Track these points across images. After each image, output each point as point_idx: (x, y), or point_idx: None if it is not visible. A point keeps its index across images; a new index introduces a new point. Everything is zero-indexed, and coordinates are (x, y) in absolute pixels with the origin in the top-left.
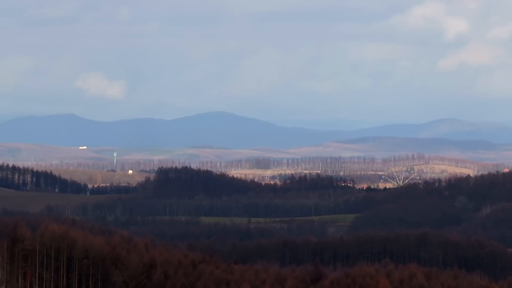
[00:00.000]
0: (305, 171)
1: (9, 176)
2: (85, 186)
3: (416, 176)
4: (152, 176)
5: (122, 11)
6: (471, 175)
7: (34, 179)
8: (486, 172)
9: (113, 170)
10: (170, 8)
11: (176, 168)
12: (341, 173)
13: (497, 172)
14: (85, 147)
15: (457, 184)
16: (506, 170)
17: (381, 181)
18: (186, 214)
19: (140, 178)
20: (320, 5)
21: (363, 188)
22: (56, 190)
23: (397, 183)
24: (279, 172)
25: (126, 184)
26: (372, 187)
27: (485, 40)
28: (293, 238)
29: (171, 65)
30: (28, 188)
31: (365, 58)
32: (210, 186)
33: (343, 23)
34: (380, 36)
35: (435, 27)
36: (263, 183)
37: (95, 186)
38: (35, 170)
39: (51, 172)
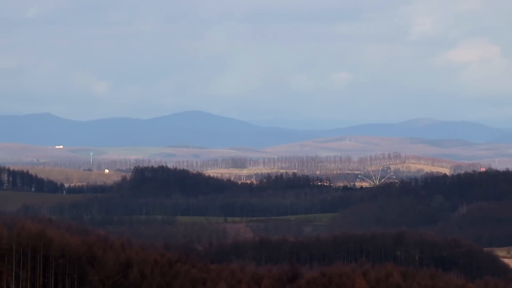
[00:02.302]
0: (282, 171)
1: None
2: (62, 185)
3: (392, 175)
4: (128, 176)
5: (109, 12)
6: (448, 174)
7: (10, 178)
8: (462, 171)
9: (90, 170)
10: (159, 9)
11: (152, 167)
12: (318, 172)
13: (474, 171)
14: (61, 147)
15: (434, 183)
16: (483, 169)
17: (357, 180)
18: (162, 214)
19: (117, 178)
20: (302, 6)
21: (339, 187)
22: (33, 189)
23: (374, 182)
24: (255, 172)
25: (102, 183)
26: (348, 186)
27: (463, 41)
28: (269, 237)
29: (159, 65)
30: (4, 187)
31: (342, 58)
32: (187, 186)
33: (324, 24)
34: (359, 36)
35: (413, 28)
36: (240, 182)
37: (72, 185)
38: (11, 169)
39: (27, 172)
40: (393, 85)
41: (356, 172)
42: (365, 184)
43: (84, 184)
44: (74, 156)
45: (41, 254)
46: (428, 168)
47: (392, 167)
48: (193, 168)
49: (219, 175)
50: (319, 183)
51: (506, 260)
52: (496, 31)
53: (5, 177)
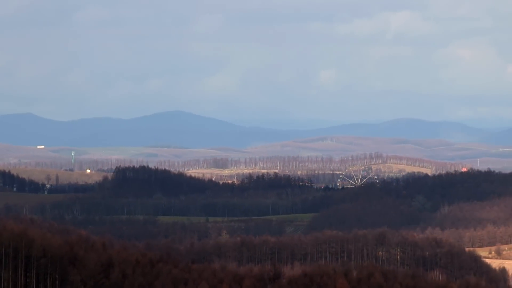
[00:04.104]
0: (263, 171)
1: None
2: (43, 185)
3: (374, 175)
4: (110, 175)
5: (92, 12)
6: (429, 174)
7: None
8: (444, 172)
9: (71, 169)
10: (142, 8)
11: (133, 167)
12: (299, 173)
13: (455, 171)
14: (43, 146)
15: (415, 184)
16: (464, 169)
17: (339, 180)
18: (144, 213)
19: (98, 178)
20: (285, 7)
21: (321, 187)
22: (14, 189)
23: (355, 182)
24: (236, 172)
25: (84, 183)
26: (330, 186)
27: (446, 43)
28: (251, 237)
29: (141, 66)
30: None
31: (325, 58)
32: (168, 186)
33: (307, 24)
34: (342, 37)
35: (396, 29)
36: (221, 183)
37: (53, 185)
38: None
39: (9, 171)
40: (375, 85)
41: (338, 172)
42: (346, 184)
43: (66, 184)
44: (56, 156)
45: (22, 254)
46: (410, 168)
47: (374, 167)
48: (175, 168)
49: (200, 175)
50: (301, 183)
51: (487, 260)
52: (481, 33)
53: None
